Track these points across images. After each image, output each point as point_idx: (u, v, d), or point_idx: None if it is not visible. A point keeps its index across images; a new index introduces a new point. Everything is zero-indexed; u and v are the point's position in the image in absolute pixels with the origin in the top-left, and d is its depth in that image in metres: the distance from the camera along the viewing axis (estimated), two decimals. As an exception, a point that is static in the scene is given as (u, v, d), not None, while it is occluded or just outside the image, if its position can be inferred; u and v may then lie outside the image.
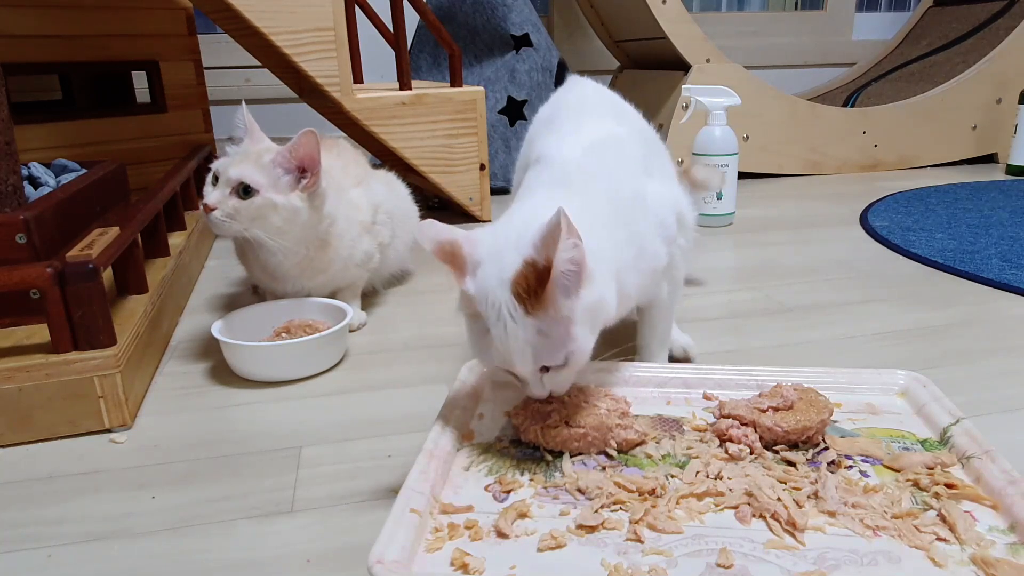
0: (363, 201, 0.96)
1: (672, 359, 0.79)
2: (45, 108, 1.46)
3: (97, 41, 1.36)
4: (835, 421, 0.58)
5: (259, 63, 1.40)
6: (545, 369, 0.54)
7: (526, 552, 0.45)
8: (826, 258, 1.20)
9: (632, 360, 0.70)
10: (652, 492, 0.49)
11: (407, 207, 1.12)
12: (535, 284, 0.50)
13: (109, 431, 0.69)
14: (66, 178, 0.96)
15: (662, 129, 0.74)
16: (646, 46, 1.92)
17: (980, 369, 0.78)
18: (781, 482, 0.50)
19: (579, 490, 0.50)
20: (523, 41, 1.71)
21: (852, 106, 2.04)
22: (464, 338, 0.56)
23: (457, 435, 0.57)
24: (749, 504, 0.48)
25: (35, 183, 0.92)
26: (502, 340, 0.52)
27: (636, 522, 0.46)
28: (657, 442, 0.56)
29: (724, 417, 0.57)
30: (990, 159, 2.00)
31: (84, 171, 1.00)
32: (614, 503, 0.49)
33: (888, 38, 2.44)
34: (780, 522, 0.46)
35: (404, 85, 1.36)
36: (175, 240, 1.08)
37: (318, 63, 1.19)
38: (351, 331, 0.93)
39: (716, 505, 0.49)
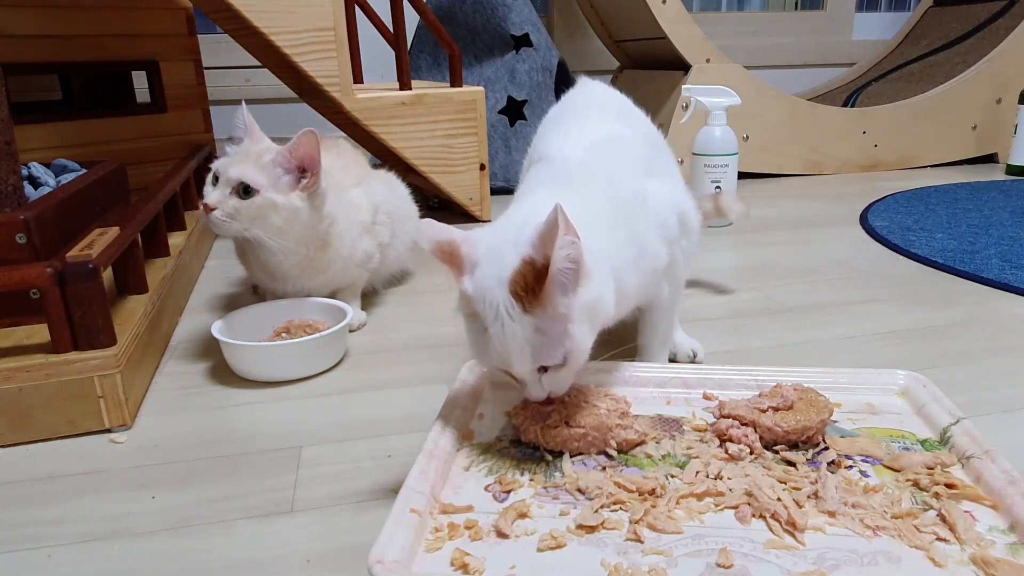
0: (363, 201, 0.96)
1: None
2: (45, 108, 1.46)
3: (97, 41, 1.36)
4: (835, 421, 0.58)
5: (259, 63, 1.40)
6: (543, 369, 0.54)
7: (526, 552, 0.45)
8: (826, 258, 1.20)
9: (632, 360, 0.70)
10: (652, 492, 0.49)
11: (407, 207, 1.12)
12: (533, 282, 0.50)
13: (109, 431, 0.69)
14: (66, 178, 0.96)
15: (662, 129, 0.74)
16: (646, 46, 1.92)
17: (980, 369, 0.78)
18: (781, 482, 0.50)
19: (579, 490, 0.50)
20: (523, 41, 1.71)
21: (852, 106, 2.04)
22: (464, 338, 0.56)
23: (457, 435, 0.57)
24: (749, 504, 0.48)
25: (35, 183, 0.92)
26: (500, 339, 0.52)
27: (636, 522, 0.46)
28: (657, 442, 0.56)
29: (724, 417, 0.57)
30: (990, 159, 2.01)
31: (84, 171, 1.00)
32: (614, 503, 0.49)
33: (888, 38, 2.44)
34: (780, 522, 0.46)
35: (404, 85, 1.36)
36: (175, 240, 1.08)
37: (318, 63, 1.19)
38: (351, 331, 0.93)
39: (716, 505, 0.49)
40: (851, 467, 0.53)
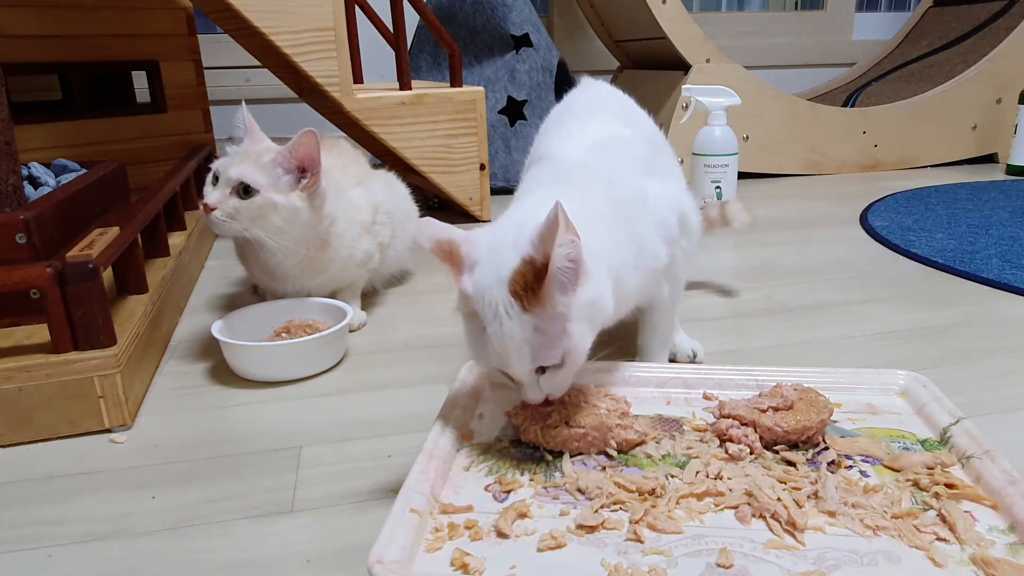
0: (363, 201, 0.96)
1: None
2: (45, 108, 1.46)
3: (97, 41, 1.36)
4: (835, 421, 0.58)
5: (259, 63, 1.40)
6: (541, 371, 0.54)
7: (526, 552, 0.45)
8: (826, 258, 1.20)
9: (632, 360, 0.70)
10: (652, 492, 0.49)
11: (407, 207, 1.12)
12: (532, 281, 0.50)
13: (109, 431, 0.69)
14: (66, 178, 0.96)
15: (662, 129, 0.74)
16: (646, 46, 1.92)
17: (980, 369, 0.78)
18: (781, 482, 0.50)
19: (579, 490, 0.50)
20: (523, 41, 1.71)
21: (852, 106, 2.04)
22: (464, 338, 0.56)
23: (457, 435, 0.57)
24: (749, 504, 0.48)
25: (35, 183, 0.92)
26: (498, 338, 0.52)
27: (636, 522, 0.46)
28: (657, 442, 0.56)
29: (724, 417, 0.57)
30: (990, 159, 2.01)
31: (84, 171, 1.00)
32: (614, 503, 0.49)
33: (888, 38, 2.44)
34: (780, 522, 0.46)
35: (404, 85, 1.36)
36: (175, 240, 1.08)
37: (318, 63, 1.19)
38: (351, 331, 0.93)
39: (716, 505, 0.49)
40: (851, 467, 0.53)
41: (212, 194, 0.82)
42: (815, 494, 0.49)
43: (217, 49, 1.99)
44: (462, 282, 0.54)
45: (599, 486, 0.50)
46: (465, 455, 0.56)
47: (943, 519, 0.46)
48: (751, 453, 0.54)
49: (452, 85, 1.40)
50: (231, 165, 0.82)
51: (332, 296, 0.93)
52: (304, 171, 0.85)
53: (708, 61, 1.77)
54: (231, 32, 1.33)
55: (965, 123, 1.95)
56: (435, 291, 1.10)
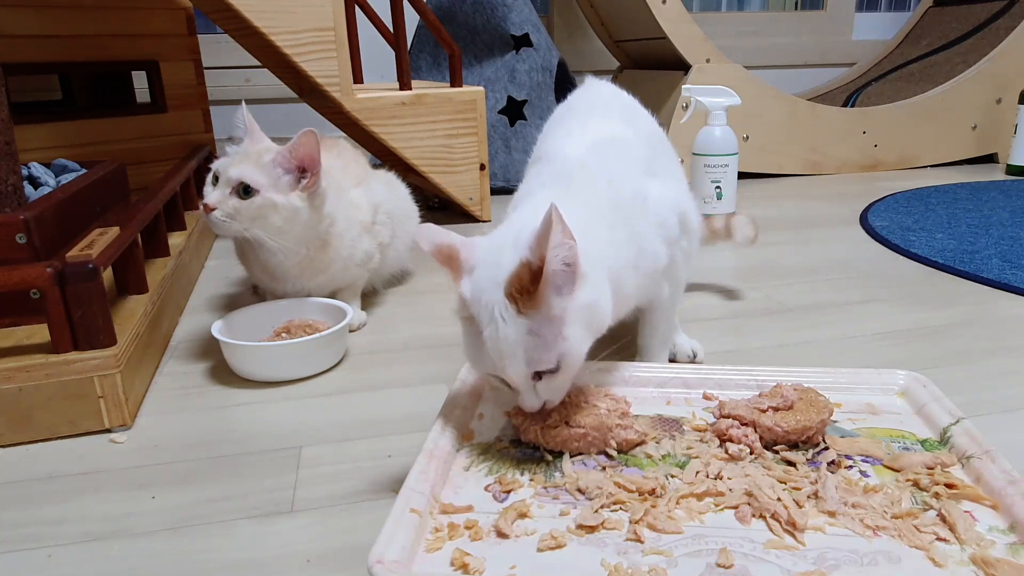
0: (363, 201, 0.96)
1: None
2: (45, 108, 1.46)
3: (97, 41, 1.36)
4: (835, 421, 0.58)
5: (259, 63, 1.40)
6: (539, 377, 0.53)
7: (526, 552, 0.45)
8: (826, 258, 1.20)
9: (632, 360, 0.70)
10: (652, 492, 0.49)
11: (407, 207, 1.12)
12: (528, 283, 0.50)
13: (109, 431, 0.69)
14: (66, 178, 0.96)
15: (662, 129, 0.75)
16: (646, 46, 1.92)
17: (980, 369, 0.78)
18: (781, 482, 0.50)
19: (579, 490, 0.50)
20: (523, 41, 1.71)
21: (852, 106, 2.04)
22: (462, 342, 0.57)
23: (457, 435, 0.57)
24: (749, 504, 0.48)
25: (35, 183, 0.92)
26: (494, 341, 0.51)
27: (636, 522, 0.46)
28: (657, 442, 0.56)
29: (724, 417, 0.57)
30: (990, 159, 2.01)
31: (84, 171, 1.00)
32: (614, 503, 0.49)
33: (888, 38, 2.44)
34: (780, 522, 0.46)
35: (404, 85, 1.36)
36: (175, 240, 1.08)
37: (318, 63, 1.19)
38: (351, 331, 0.93)
39: (716, 505, 0.49)
40: (851, 467, 0.53)
41: (212, 194, 0.82)
42: (815, 494, 0.49)
43: (217, 49, 1.99)
44: (460, 286, 0.54)
45: (599, 486, 0.50)
46: (465, 455, 0.56)
47: (943, 519, 0.46)
48: (751, 453, 0.54)
49: (452, 85, 1.40)
50: (231, 165, 0.82)
51: (332, 296, 0.93)
52: (304, 171, 0.85)
53: (708, 61, 1.77)
54: (231, 32, 1.33)
55: (965, 123, 1.95)
56: (435, 291, 1.10)
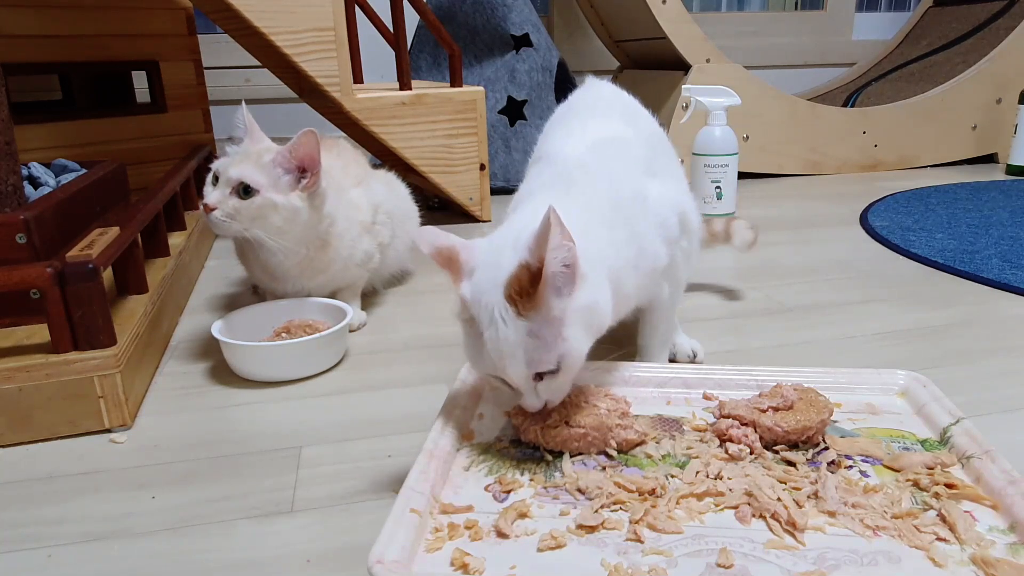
0: (363, 201, 0.96)
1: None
2: (45, 108, 1.46)
3: (97, 41, 1.36)
4: (835, 421, 0.58)
5: (259, 63, 1.40)
6: (539, 378, 0.54)
7: (526, 552, 0.45)
8: (826, 258, 1.20)
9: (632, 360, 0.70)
10: (652, 492, 0.49)
11: (407, 207, 1.12)
12: (527, 285, 0.50)
13: (109, 431, 0.69)
14: (66, 178, 0.96)
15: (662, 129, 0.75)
16: (646, 46, 1.92)
17: (980, 369, 0.78)
18: (781, 482, 0.50)
19: (579, 490, 0.50)
20: (523, 41, 1.71)
21: (852, 106, 2.04)
22: (463, 344, 0.57)
23: (457, 435, 0.57)
24: (749, 504, 0.48)
25: (35, 183, 0.92)
26: (494, 343, 0.52)
27: (636, 522, 0.46)
28: (657, 442, 0.56)
29: (724, 417, 0.57)
30: (990, 159, 2.01)
31: (84, 171, 1.00)
32: (614, 503, 0.49)
33: (888, 38, 2.44)
34: (780, 522, 0.46)
35: (404, 85, 1.36)
36: (175, 240, 1.08)
37: (318, 63, 1.19)
38: (351, 331, 0.93)
39: (716, 505, 0.49)
40: (851, 467, 0.53)
41: (212, 194, 0.82)
42: (815, 494, 0.49)
43: (217, 49, 1.99)
44: (461, 288, 0.54)
45: (599, 486, 0.50)
46: (465, 455, 0.56)
47: (943, 519, 0.46)
48: (751, 453, 0.54)
49: (452, 85, 1.40)
50: (231, 165, 0.82)
51: (332, 296, 0.93)
52: (304, 171, 0.85)
53: (708, 61, 1.77)
54: (231, 32, 1.33)
55: (965, 123, 1.95)
56: (435, 291, 1.10)
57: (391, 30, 1.39)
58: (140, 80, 1.50)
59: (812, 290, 1.04)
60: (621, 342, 0.76)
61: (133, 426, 0.71)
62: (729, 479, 0.51)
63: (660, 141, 0.73)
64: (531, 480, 0.52)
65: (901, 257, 1.19)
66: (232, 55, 1.96)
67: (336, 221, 0.89)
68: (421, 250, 0.54)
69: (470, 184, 1.43)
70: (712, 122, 1.41)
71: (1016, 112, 1.83)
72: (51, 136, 1.30)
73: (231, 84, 2.08)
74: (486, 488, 0.51)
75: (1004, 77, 1.92)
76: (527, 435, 0.56)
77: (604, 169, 0.63)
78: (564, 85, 1.77)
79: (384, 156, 1.45)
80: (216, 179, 0.83)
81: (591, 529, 0.46)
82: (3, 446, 0.67)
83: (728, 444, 0.55)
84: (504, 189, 1.66)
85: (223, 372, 0.82)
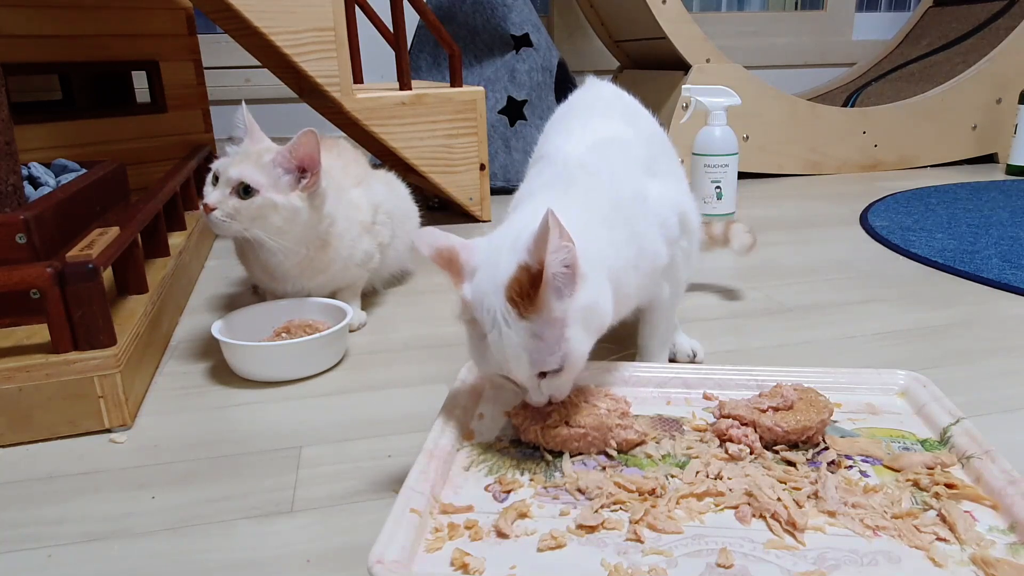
0: (363, 201, 0.96)
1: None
2: (45, 108, 1.46)
3: (97, 41, 1.36)
4: (835, 421, 0.58)
5: (259, 63, 1.40)
6: (543, 375, 0.54)
7: (526, 552, 0.45)
8: (826, 258, 1.20)
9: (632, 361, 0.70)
10: (652, 492, 0.49)
11: (407, 207, 1.12)
12: (528, 287, 0.50)
13: (109, 431, 0.69)
14: (66, 178, 0.96)
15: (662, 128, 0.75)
16: (646, 46, 1.92)
17: (980, 369, 0.78)
18: (781, 482, 0.50)
19: (579, 490, 0.50)
20: (523, 41, 1.71)
21: (852, 106, 2.04)
22: (465, 339, 0.57)
23: (457, 435, 0.57)
24: (749, 504, 0.48)
25: (35, 183, 0.92)
26: (497, 345, 0.52)
27: (636, 522, 0.46)
28: (657, 442, 0.56)
29: (724, 417, 0.57)
30: (990, 159, 2.01)
31: (84, 171, 1.00)
32: (614, 503, 0.49)
33: (888, 38, 2.44)
34: (780, 522, 0.46)
35: (404, 85, 1.36)
36: (175, 240, 1.08)
37: (318, 63, 1.19)
38: (351, 331, 0.93)
39: (716, 505, 0.49)
40: (851, 467, 0.53)
41: (212, 194, 0.82)
42: (815, 494, 0.49)
43: (217, 49, 1.99)
44: (462, 289, 0.54)
45: (599, 486, 0.50)
46: (465, 455, 0.56)
47: (943, 519, 0.46)
48: (751, 453, 0.54)
49: (452, 85, 1.40)
50: (231, 165, 0.82)
51: (332, 296, 0.93)
52: (304, 171, 0.85)
53: (708, 61, 1.77)
54: (231, 32, 1.33)
55: (965, 123, 1.95)
56: (435, 291, 1.10)
57: (391, 30, 1.39)
58: (140, 80, 1.50)
59: (812, 290, 1.04)
60: (622, 342, 0.76)
61: (133, 426, 0.71)
62: (729, 479, 0.51)
63: (660, 141, 0.73)
64: (531, 480, 0.52)
65: (901, 257, 1.19)
66: (232, 55, 1.96)
67: (336, 221, 0.89)
68: (421, 252, 0.54)
69: (470, 184, 1.43)
70: (712, 122, 1.41)
71: (1016, 112, 1.83)
72: (51, 136, 1.30)
73: (231, 84, 2.08)
74: (486, 488, 0.51)
75: (1004, 77, 1.92)
76: (527, 435, 0.56)
77: (604, 169, 0.63)
78: (564, 85, 1.77)
79: (384, 156, 1.45)
80: (216, 179, 0.83)
81: (591, 529, 0.46)
82: (3, 446, 0.67)
83: (728, 444, 0.55)
84: (504, 189, 1.66)
85: (223, 372, 0.82)
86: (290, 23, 1.15)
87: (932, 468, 0.51)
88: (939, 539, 0.44)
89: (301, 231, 0.86)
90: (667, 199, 0.67)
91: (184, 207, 1.18)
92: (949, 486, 0.49)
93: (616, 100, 0.73)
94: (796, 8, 2.49)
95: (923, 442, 0.56)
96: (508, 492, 0.51)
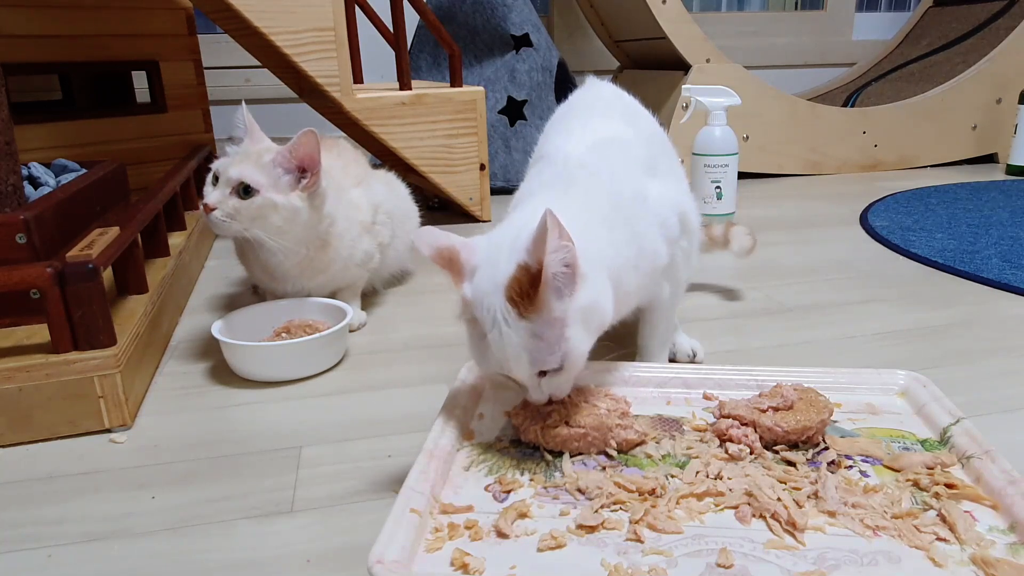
0: (363, 201, 0.96)
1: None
2: (45, 108, 1.46)
3: (97, 41, 1.36)
4: (835, 421, 0.58)
5: (259, 63, 1.40)
6: (543, 374, 0.54)
7: (526, 552, 0.45)
8: (826, 258, 1.20)
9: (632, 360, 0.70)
10: (652, 492, 0.49)
11: (407, 207, 1.12)
12: (528, 287, 0.50)
13: (109, 431, 0.69)
14: (66, 178, 0.96)
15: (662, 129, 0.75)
16: (646, 46, 1.92)
17: (980, 369, 0.78)
18: (781, 482, 0.50)
19: (579, 490, 0.50)
20: (523, 41, 1.71)
21: (852, 106, 2.04)
22: (465, 338, 0.57)
23: (457, 435, 0.57)
24: (749, 504, 0.48)
25: (35, 183, 0.92)
26: (498, 344, 0.52)
27: (636, 522, 0.46)
28: (657, 442, 0.56)
29: (724, 417, 0.57)
30: (990, 159, 2.01)
31: (84, 171, 1.00)
32: (614, 503, 0.49)
33: (888, 38, 2.44)
34: (780, 522, 0.46)
35: (404, 85, 1.36)
36: (175, 240, 1.08)
37: (318, 63, 1.19)
38: (351, 331, 0.93)
39: (716, 505, 0.49)
40: (851, 467, 0.53)
41: (212, 194, 0.82)
42: (815, 494, 0.49)
43: (217, 49, 1.99)
44: (462, 289, 0.54)
45: (599, 486, 0.50)
46: (465, 455, 0.56)
47: (943, 519, 0.46)
48: (751, 453, 0.54)
49: (452, 85, 1.40)
50: (231, 165, 0.82)
51: (332, 296, 0.93)
52: (304, 171, 0.85)
53: (708, 61, 1.77)
54: (231, 32, 1.33)
55: (965, 123, 1.95)
56: (435, 291, 1.10)
57: (391, 30, 1.39)
58: (140, 80, 1.50)
59: (812, 290, 1.04)
60: (621, 342, 0.76)
61: (133, 426, 0.71)
62: (729, 479, 0.51)
63: (660, 141, 0.73)
64: (531, 480, 0.52)
65: (901, 257, 1.19)
66: (232, 55, 1.96)
67: (336, 221, 0.89)
68: (421, 251, 0.54)
69: (470, 184, 1.43)
70: (712, 122, 1.41)
71: (1016, 112, 1.83)
72: (51, 136, 1.30)
73: (231, 84, 2.08)
74: (486, 488, 0.51)
75: (1004, 77, 1.92)
76: (527, 435, 0.56)
77: (604, 169, 0.63)
78: (564, 85, 1.77)
79: (384, 156, 1.45)
80: (216, 179, 0.83)
81: (591, 529, 0.46)
82: (3, 446, 0.67)
83: (728, 444, 0.55)
84: (504, 189, 1.66)
85: (223, 372, 0.82)
86: (290, 23, 1.15)
87: (932, 468, 0.51)
88: (939, 539, 0.44)
89: (301, 231, 0.86)
90: (667, 199, 0.67)
91: (184, 207, 1.18)
92: (949, 486, 0.49)
93: (616, 100, 0.73)
94: (796, 8, 2.49)
95: (923, 442, 0.56)
96: (508, 492, 0.51)
